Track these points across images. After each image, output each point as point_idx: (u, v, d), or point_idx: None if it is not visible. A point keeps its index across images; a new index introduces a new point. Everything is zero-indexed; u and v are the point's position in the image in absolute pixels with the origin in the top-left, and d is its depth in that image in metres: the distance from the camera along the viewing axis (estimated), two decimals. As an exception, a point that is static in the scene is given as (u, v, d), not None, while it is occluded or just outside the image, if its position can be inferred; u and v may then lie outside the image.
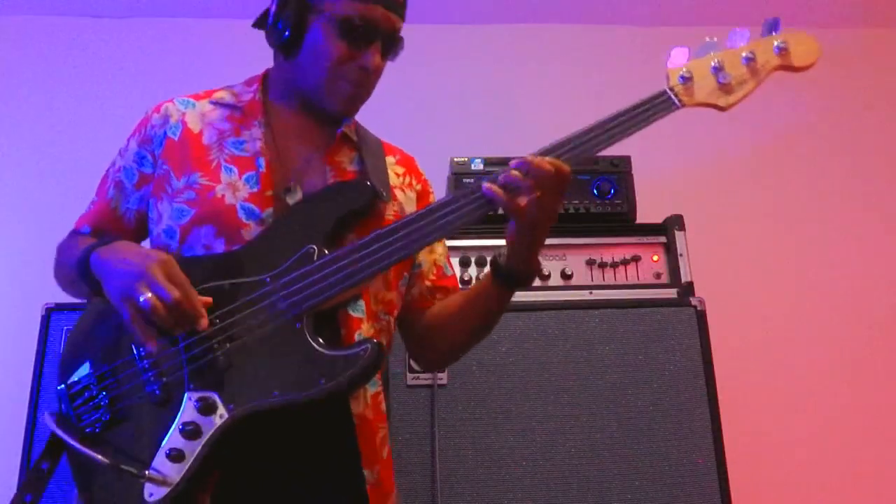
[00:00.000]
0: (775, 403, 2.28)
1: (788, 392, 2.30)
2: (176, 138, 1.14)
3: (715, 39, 1.06)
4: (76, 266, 1.05)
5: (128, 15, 2.60)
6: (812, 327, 2.38)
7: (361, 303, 1.09)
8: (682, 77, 1.04)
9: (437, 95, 2.54)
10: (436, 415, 1.60)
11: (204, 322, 0.96)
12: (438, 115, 2.51)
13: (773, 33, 1.05)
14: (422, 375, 1.63)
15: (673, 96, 1.04)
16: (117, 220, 1.17)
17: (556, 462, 1.58)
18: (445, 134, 2.40)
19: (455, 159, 1.88)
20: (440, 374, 1.63)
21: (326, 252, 1.03)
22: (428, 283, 1.26)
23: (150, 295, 0.92)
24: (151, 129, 1.16)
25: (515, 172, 0.98)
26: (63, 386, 1.04)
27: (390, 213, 1.16)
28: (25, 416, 1.62)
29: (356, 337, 1.06)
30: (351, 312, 1.07)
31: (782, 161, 2.58)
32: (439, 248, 1.30)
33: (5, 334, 2.18)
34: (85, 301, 1.15)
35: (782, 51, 1.04)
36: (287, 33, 1.12)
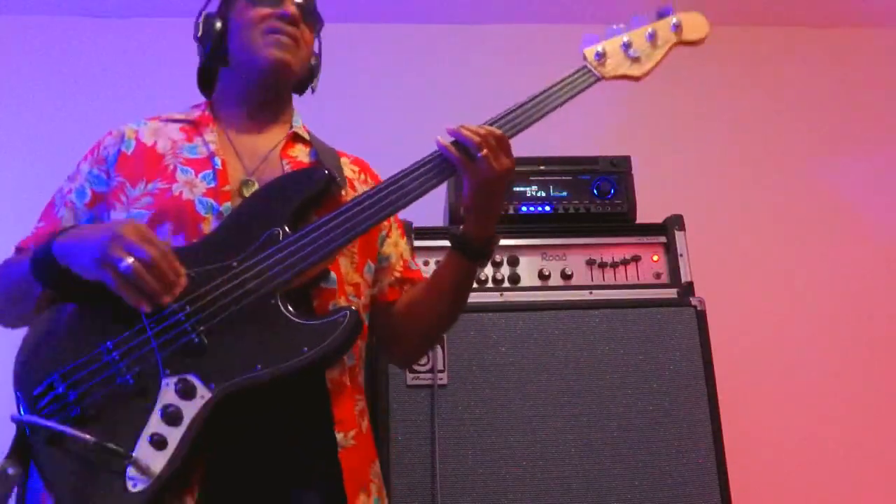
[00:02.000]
0: (775, 403, 2.28)
1: (788, 392, 2.30)
2: (130, 152, 1.17)
3: (621, 25, 1.22)
4: (30, 264, 1.03)
5: (128, 15, 2.60)
6: (812, 327, 2.38)
7: (334, 276, 1.10)
8: (598, 54, 1.19)
9: (436, 95, 2.54)
10: (436, 415, 1.60)
11: (183, 280, 0.97)
12: (438, 115, 2.50)
13: (668, 16, 1.22)
14: (422, 375, 1.63)
15: (592, 69, 1.18)
16: None
17: (556, 462, 1.58)
18: (445, 134, 2.40)
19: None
20: (440, 374, 1.63)
21: (290, 232, 1.03)
22: (396, 274, 1.28)
23: (130, 259, 0.92)
24: (104, 150, 1.19)
25: (464, 132, 1.06)
26: (23, 394, 0.98)
27: (347, 200, 1.16)
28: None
29: (330, 307, 1.07)
30: (324, 285, 1.09)
31: (782, 161, 2.58)
32: (403, 244, 1.32)
33: (5, 338, 2.17)
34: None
35: (677, 28, 1.20)
36: (212, 42, 1.21)
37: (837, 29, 2.73)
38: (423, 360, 1.64)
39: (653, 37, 1.19)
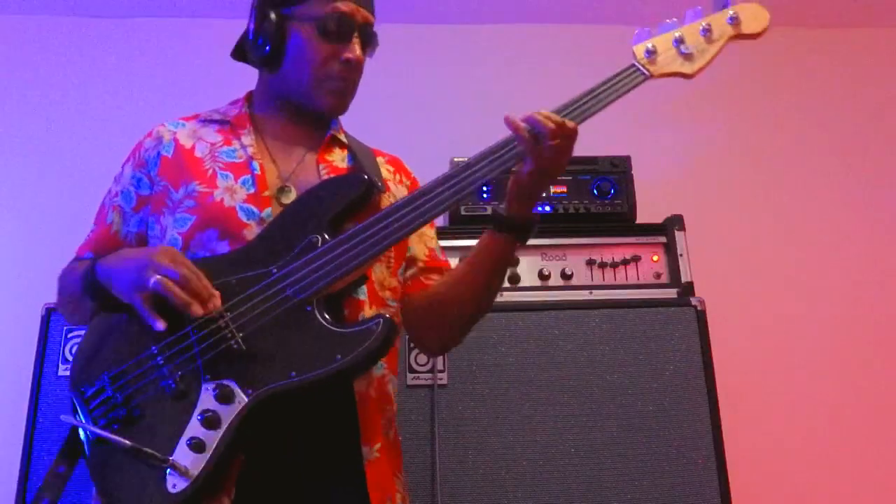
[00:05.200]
0: (775, 403, 2.28)
1: (788, 392, 2.30)
2: (170, 155, 1.18)
3: (674, 19, 1.16)
4: (81, 283, 1.08)
5: (128, 15, 2.60)
6: (812, 327, 2.38)
7: (364, 287, 1.11)
8: (648, 51, 1.14)
9: (437, 95, 2.54)
10: (436, 415, 1.60)
11: (217, 299, 0.99)
12: (438, 115, 2.50)
13: (725, 9, 1.16)
14: (422, 375, 1.63)
15: (641, 67, 1.13)
16: (118, 244, 1.19)
17: (556, 462, 1.58)
18: (445, 134, 2.40)
19: (455, 159, 1.88)
20: (440, 374, 1.63)
21: (329, 239, 1.04)
22: (421, 264, 1.27)
23: (158, 276, 0.96)
24: (146, 153, 1.20)
25: (538, 116, 1.04)
26: (76, 392, 1.04)
27: (386, 204, 1.17)
28: (25, 416, 1.62)
29: (360, 317, 1.08)
30: (354, 295, 1.09)
31: (782, 161, 2.58)
32: (429, 234, 1.32)
33: (5, 334, 2.18)
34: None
35: (735, 20, 1.15)
36: (268, 47, 1.17)
37: (838, 29, 2.73)
38: (423, 360, 1.64)
39: (707, 31, 1.14)
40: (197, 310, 0.97)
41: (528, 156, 1.06)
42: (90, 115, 2.48)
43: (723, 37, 1.14)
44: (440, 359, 1.64)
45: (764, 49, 2.67)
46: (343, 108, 1.21)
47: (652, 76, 1.13)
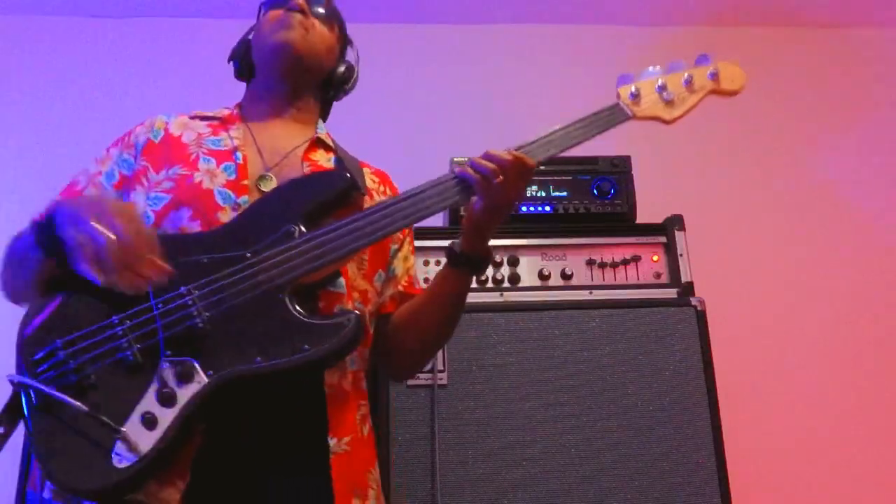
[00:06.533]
0: (775, 403, 2.28)
1: (788, 392, 2.30)
2: (157, 141, 1.20)
3: (658, 67, 1.23)
4: (33, 225, 1.01)
5: (128, 15, 2.60)
6: (812, 327, 2.38)
7: (342, 281, 1.12)
8: (632, 94, 1.20)
9: (436, 95, 2.54)
10: (436, 415, 1.60)
11: (161, 266, 0.94)
12: (438, 115, 2.50)
13: (706, 64, 1.24)
14: (422, 375, 1.63)
15: (625, 107, 1.19)
16: None
17: (556, 462, 1.58)
18: (445, 134, 2.40)
19: (455, 159, 1.88)
20: (440, 374, 1.63)
21: (306, 231, 1.04)
22: (400, 287, 1.29)
23: (99, 226, 0.90)
24: (135, 137, 1.22)
25: (481, 160, 1.09)
26: (22, 354, 0.98)
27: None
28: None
29: (336, 309, 1.09)
30: (331, 289, 1.10)
31: (782, 161, 2.58)
32: (412, 260, 1.34)
33: (5, 334, 2.18)
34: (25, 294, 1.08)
35: (714, 76, 1.22)
36: (237, 63, 1.34)
37: (838, 29, 2.73)
38: (423, 360, 1.64)
39: (689, 82, 1.21)
40: (126, 277, 0.91)
41: (478, 193, 1.10)
42: (90, 114, 2.48)
43: (703, 89, 1.22)
44: (440, 359, 1.64)
45: (764, 49, 2.69)
46: (290, 43, 1.23)
47: (634, 117, 1.19)
